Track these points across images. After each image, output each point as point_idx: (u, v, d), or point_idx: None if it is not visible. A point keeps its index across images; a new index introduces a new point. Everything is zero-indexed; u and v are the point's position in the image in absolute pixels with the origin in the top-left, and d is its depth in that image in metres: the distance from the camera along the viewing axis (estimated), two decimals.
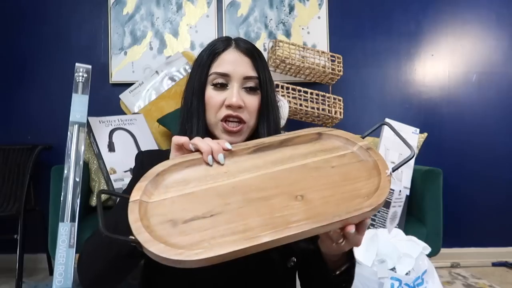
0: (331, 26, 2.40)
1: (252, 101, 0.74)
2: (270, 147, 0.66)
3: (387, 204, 1.61)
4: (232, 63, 0.73)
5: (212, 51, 0.75)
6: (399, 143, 1.74)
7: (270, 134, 0.75)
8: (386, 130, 1.77)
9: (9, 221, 1.91)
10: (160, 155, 0.77)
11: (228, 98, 0.72)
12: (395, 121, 1.82)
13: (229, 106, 0.72)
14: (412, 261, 1.11)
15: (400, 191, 1.63)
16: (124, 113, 2.07)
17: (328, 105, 2.08)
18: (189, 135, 0.71)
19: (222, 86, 0.74)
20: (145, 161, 0.81)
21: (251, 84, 0.74)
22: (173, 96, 2.07)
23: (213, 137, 0.74)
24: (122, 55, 2.34)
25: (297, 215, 0.55)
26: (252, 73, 0.74)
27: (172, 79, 2.11)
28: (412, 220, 1.67)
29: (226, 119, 0.74)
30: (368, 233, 1.24)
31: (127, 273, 0.69)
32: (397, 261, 1.12)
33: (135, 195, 0.56)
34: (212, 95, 0.74)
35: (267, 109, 0.77)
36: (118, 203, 0.73)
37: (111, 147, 1.73)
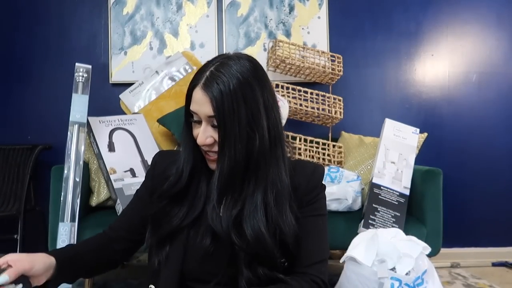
0: (331, 26, 2.40)
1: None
2: None
3: (387, 204, 1.61)
4: (197, 103, 0.76)
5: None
6: (399, 142, 1.74)
7: (223, 171, 0.75)
8: (386, 129, 1.77)
9: (9, 221, 1.91)
10: (175, 157, 0.85)
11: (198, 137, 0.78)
12: (395, 121, 1.82)
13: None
14: (412, 261, 1.11)
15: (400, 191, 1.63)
16: (124, 113, 2.07)
17: (328, 105, 2.08)
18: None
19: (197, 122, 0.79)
20: (158, 162, 0.89)
21: (215, 122, 0.75)
22: (173, 96, 2.07)
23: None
24: (122, 55, 2.34)
25: None
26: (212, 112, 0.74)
27: (172, 79, 2.11)
28: (412, 220, 1.67)
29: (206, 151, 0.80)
30: (368, 233, 1.24)
31: None
32: (397, 261, 1.11)
33: None
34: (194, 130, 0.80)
35: (228, 143, 0.75)
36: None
37: (111, 147, 1.73)
